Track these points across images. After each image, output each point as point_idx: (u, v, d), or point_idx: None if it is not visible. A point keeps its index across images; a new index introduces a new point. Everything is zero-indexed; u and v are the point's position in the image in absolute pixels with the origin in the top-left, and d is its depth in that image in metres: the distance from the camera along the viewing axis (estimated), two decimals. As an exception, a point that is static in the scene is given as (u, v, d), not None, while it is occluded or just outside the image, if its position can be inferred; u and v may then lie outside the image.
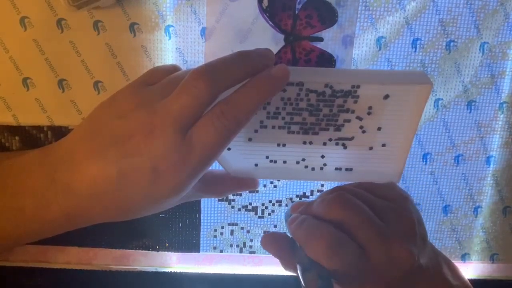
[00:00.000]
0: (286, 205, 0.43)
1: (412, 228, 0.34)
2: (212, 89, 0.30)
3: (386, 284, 0.33)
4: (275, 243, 0.37)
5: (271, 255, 0.37)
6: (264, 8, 0.37)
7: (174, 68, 0.37)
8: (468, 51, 0.40)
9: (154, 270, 0.44)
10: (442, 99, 0.41)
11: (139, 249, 0.44)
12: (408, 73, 0.38)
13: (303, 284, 0.33)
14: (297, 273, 0.35)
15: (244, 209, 0.43)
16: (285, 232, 0.44)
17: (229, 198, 0.43)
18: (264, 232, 0.44)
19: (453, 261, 0.39)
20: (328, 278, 0.32)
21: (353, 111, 0.36)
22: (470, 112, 0.41)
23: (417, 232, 0.34)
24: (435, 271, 0.35)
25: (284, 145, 0.38)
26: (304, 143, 0.38)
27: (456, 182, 0.43)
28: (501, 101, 0.41)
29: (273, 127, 0.37)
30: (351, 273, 0.32)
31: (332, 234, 0.32)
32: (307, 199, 0.43)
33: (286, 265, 0.37)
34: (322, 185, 0.43)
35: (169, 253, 0.44)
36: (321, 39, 0.39)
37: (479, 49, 0.40)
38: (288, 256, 0.36)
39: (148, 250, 0.44)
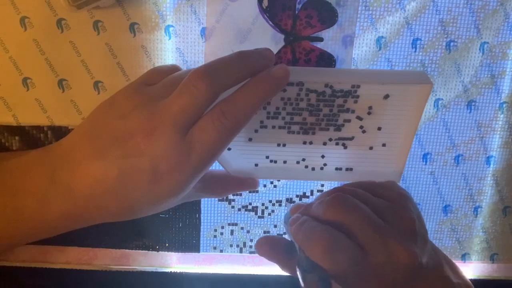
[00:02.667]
0: (286, 205, 0.43)
1: (413, 227, 0.34)
2: (212, 89, 0.30)
3: (386, 284, 0.33)
4: (269, 249, 0.37)
5: (268, 259, 0.37)
6: (264, 8, 0.37)
7: (174, 68, 0.37)
8: (468, 51, 0.40)
9: (154, 270, 0.44)
10: (442, 99, 0.41)
11: (139, 249, 0.44)
12: (408, 73, 0.38)
13: (303, 286, 0.33)
14: (296, 275, 0.35)
15: (244, 209, 0.43)
16: (282, 235, 0.44)
17: (229, 198, 0.43)
18: (264, 233, 0.44)
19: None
20: (327, 280, 0.32)
21: (353, 111, 0.36)
22: (470, 112, 0.41)
23: (418, 231, 0.34)
24: (436, 269, 0.35)
25: (284, 145, 0.38)
26: (304, 143, 0.38)
27: (456, 182, 0.43)
28: (501, 101, 0.41)
29: (273, 127, 0.37)
30: (351, 273, 0.32)
31: (330, 235, 0.32)
32: (307, 199, 0.43)
33: (284, 267, 0.37)
34: (322, 185, 0.43)
35: (169, 253, 0.44)
36: (321, 39, 0.39)
37: (479, 49, 0.40)
38: (285, 259, 0.36)
39: (148, 250, 0.44)
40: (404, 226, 0.34)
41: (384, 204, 0.35)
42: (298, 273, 0.33)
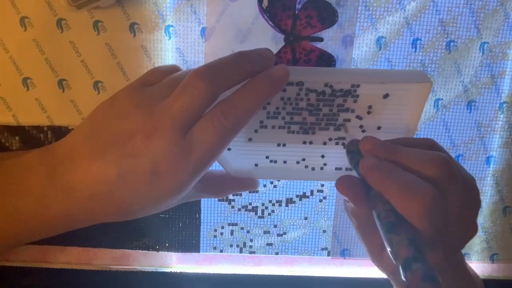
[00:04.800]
0: (287, 204, 0.43)
1: (479, 208, 0.34)
2: (212, 89, 0.30)
3: (452, 251, 0.33)
4: (354, 187, 0.33)
5: (347, 199, 0.33)
6: (264, 8, 0.37)
7: (174, 68, 0.37)
8: (468, 51, 0.40)
9: (154, 270, 0.44)
10: (442, 99, 0.41)
11: (139, 249, 0.44)
12: (407, 72, 0.38)
13: (386, 243, 0.29)
14: (362, 223, 0.33)
15: (244, 209, 0.43)
16: (283, 233, 0.44)
17: (229, 198, 0.43)
18: (263, 233, 0.44)
19: None
20: (417, 244, 0.28)
21: (353, 111, 0.36)
22: (470, 112, 0.41)
23: None
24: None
25: (284, 145, 0.38)
26: (304, 143, 0.38)
27: (456, 182, 0.43)
28: (501, 101, 0.41)
29: (273, 127, 0.37)
30: (434, 236, 0.30)
31: (433, 194, 0.29)
32: (307, 199, 0.43)
33: (356, 213, 0.34)
34: (322, 185, 0.43)
35: (169, 253, 0.44)
36: (321, 39, 0.39)
37: (479, 49, 0.40)
38: (363, 204, 0.32)
39: (148, 250, 0.44)
40: (475, 205, 0.34)
41: (468, 178, 0.33)
42: (378, 226, 0.30)
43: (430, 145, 0.34)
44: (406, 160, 0.31)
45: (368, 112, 0.36)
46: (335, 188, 0.40)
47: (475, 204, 0.34)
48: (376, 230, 0.31)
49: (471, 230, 0.33)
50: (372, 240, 0.34)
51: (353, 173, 0.34)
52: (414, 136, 0.38)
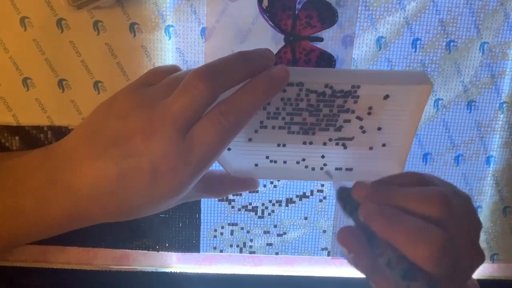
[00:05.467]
0: (287, 204, 0.43)
1: (480, 229, 0.34)
2: (212, 89, 0.30)
3: (468, 278, 0.33)
4: (354, 238, 0.32)
5: (348, 250, 0.32)
6: (264, 8, 0.37)
7: (174, 69, 0.37)
8: (468, 51, 0.40)
9: (154, 270, 0.44)
10: (442, 99, 0.41)
11: (139, 249, 0.44)
12: (408, 73, 0.38)
13: None
14: (370, 271, 0.31)
15: (244, 209, 0.43)
16: (282, 234, 0.44)
17: (229, 198, 0.43)
18: (264, 233, 0.44)
19: None
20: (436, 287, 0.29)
21: (353, 111, 0.36)
22: (470, 112, 0.41)
23: None
24: None
25: (284, 145, 0.38)
26: (304, 143, 0.38)
27: (456, 182, 0.43)
28: (501, 101, 0.41)
29: (273, 127, 0.37)
30: (446, 277, 0.30)
31: (442, 238, 0.29)
32: (307, 199, 0.43)
33: (360, 263, 0.33)
34: (322, 185, 0.43)
35: (169, 253, 0.44)
36: (321, 39, 0.39)
37: (479, 49, 0.40)
38: (365, 253, 0.32)
39: (148, 250, 0.44)
40: (477, 231, 0.33)
41: (463, 203, 0.33)
42: (391, 274, 0.30)
43: (419, 179, 0.33)
44: (405, 202, 0.31)
45: (369, 113, 0.36)
46: (335, 188, 0.40)
47: (477, 226, 0.33)
48: (384, 275, 0.30)
49: (479, 257, 0.32)
50: (384, 285, 0.32)
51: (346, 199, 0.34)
52: (414, 137, 0.38)
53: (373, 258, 0.31)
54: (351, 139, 0.38)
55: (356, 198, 0.32)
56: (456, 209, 0.31)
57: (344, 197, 0.33)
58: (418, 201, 0.31)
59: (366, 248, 0.31)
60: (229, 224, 0.44)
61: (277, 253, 0.45)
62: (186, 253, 0.44)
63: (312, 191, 0.43)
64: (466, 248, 0.31)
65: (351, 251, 0.32)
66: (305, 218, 0.44)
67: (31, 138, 0.40)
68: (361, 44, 0.39)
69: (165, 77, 0.34)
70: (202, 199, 0.43)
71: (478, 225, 0.33)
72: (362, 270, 0.33)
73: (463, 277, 0.32)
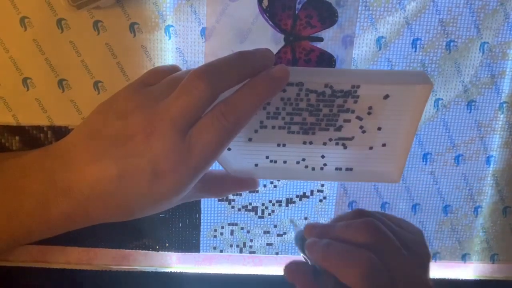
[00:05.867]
0: (287, 204, 0.43)
1: (429, 261, 0.35)
2: (212, 89, 0.30)
3: None
4: (299, 272, 0.35)
5: (296, 284, 0.35)
6: (264, 8, 0.37)
7: (174, 68, 0.37)
8: (468, 51, 0.40)
9: (154, 270, 0.44)
10: (442, 99, 0.41)
11: (139, 249, 0.44)
12: (408, 73, 0.38)
13: None
14: None
15: (244, 209, 0.43)
16: (282, 235, 0.44)
17: (229, 198, 0.43)
18: (263, 233, 0.44)
19: (453, 262, 0.39)
20: None
21: (353, 111, 0.36)
22: (470, 112, 0.41)
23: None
24: None
25: (284, 145, 0.38)
26: (304, 143, 0.38)
27: (456, 182, 0.43)
28: (501, 101, 0.41)
29: (273, 127, 0.37)
30: None
31: (368, 259, 0.31)
32: (307, 199, 0.43)
33: None
34: (322, 185, 0.43)
35: (169, 253, 0.44)
36: (321, 39, 0.39)
37: (479, 49, 0.40)
38: (311, 285, 0.34)
39: (148, 250, 0.44)
40: (423, 259, 0.35)
41: (406, 235, 0.35)
42: None
43: (359, 214, 0.36)
44: (340, 233, 0.34)
45: (369, 113, 0.36)
46: (335, 188, 0.41)
47: (425, 258, 0.35)
48: None
49: (424, 283, 0.33)
50: None
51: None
52: (414, 137, 0.38)
53: None
54: (351, 139, 0.38)
55: (306, 237, 0.36)
56: (387, 236, 0.33)
57: (298, 239, 0.38)
58: (349, 230, 0.34)
59: (311, 281, 0.34)
60: (229, 224, 0.44)
61: (277, 253, 0.45)
62: (186, 253, 0.44)
63: (312, 191, 0.43)
64: (404, 273, 0.32)
65: (296, 284, 0.35)
66: (305, 218, 0.44)
67: (31, 138, 0.40)
68: (361, 44, 0.39)
69: (165, 77, 0.34)
70: (202, 199, 0.43)
71: (424, 256, 0.35)
72: None
73: None
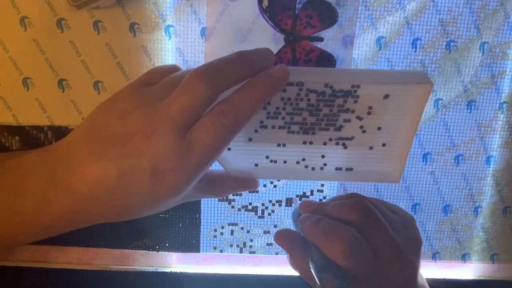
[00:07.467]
0: (287, 205, 0.43)
1: (419, 247, 0.37)
2: (212, 89, 0.30)
3: (392, 286, 0.35)
4: (288, 239, 0.38)
5: (283, 249, 0.39)
6: (264, 8, 0.37)
7: (174, 68, 0.37)
8: (468, 51, 0.40)
9: (154, 270, 0.44)
10: (442, 99, 0.41)
11: (139, 249, 0.44)
12: (408, 73, 0.38)
13: (318, 283, 0.33)
14: (304, 271, 0.36)
15: (244, 209, 0.43)
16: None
17: (229, 198, 0.43)
18: (263, 233, 0.44)
19: (453, 262, 0.40)
20: (344, 278, 0.33)
21: (353, 111, 0.36)
22: (470, 112, 0.41)
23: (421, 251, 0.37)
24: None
25: (284, 145, 0.38)
26: (304, 143, 0.38)
27: (456, 182, 0.43)
28: (501, 101, 0.41)
29: (273, 127, 0.37)
30: (363, 274, 0.34)
31: (353, 235, 0.34)
32: (307, 198, 0.43)
33: (295, 262, 0.38)
34: (322, 185, 0.43)
35: (169, 253, 0.44)
36: (321, 39, 0.39)
37: (479, 49, 0.40)
38: (299, 254, 0.37)
39: (148, 250, 0.44)
40: (411, 243, 0.37)
41: (395, 218, 0.37)
42: (312, 270, 0.34)
43: (353, 196, 0.39)
44: (331, 211, 0.37)
45: (369, 113, 0.36)
46: (335, 188, 0.41)
47: (414, 242, 0.37)
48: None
49: (409, 266, 0.36)
50: (315, 284, 0.36)
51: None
52: (414, 137, 0.38)
53: (306, 260, 0.36)
54: (351, 139, 0.38)
55: (301, 213, 0.39)
56: (376, 218, 0.35)
57: (295, 215, 0.40)
58: (341, 209, 0.36)
59: (300, 250, 0.37)
60: (229, 224, 0.44)
61: (277, 253, 0.45)
62: (186, 253, 0.44)
63: (312, 191, 0.43)
64: (390, 254, 0.35)
65: (286, 250, 0.38)
66: (305, 218, 0.44)
67: (31, 138, 0.40)
68: (361, 44, 0.39)
69: (165, 77, 0.34)
70: (202, 199, 0.43)
71: (415, 241, 0.37)
72: (297, 270, 0.38)
73: (388, 280, 0.35)
